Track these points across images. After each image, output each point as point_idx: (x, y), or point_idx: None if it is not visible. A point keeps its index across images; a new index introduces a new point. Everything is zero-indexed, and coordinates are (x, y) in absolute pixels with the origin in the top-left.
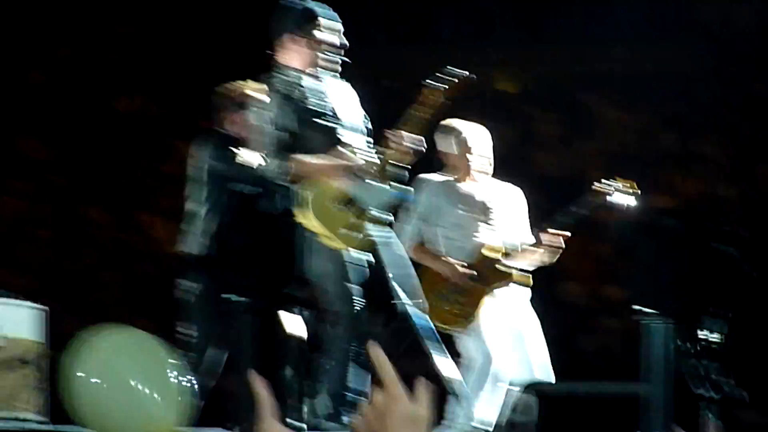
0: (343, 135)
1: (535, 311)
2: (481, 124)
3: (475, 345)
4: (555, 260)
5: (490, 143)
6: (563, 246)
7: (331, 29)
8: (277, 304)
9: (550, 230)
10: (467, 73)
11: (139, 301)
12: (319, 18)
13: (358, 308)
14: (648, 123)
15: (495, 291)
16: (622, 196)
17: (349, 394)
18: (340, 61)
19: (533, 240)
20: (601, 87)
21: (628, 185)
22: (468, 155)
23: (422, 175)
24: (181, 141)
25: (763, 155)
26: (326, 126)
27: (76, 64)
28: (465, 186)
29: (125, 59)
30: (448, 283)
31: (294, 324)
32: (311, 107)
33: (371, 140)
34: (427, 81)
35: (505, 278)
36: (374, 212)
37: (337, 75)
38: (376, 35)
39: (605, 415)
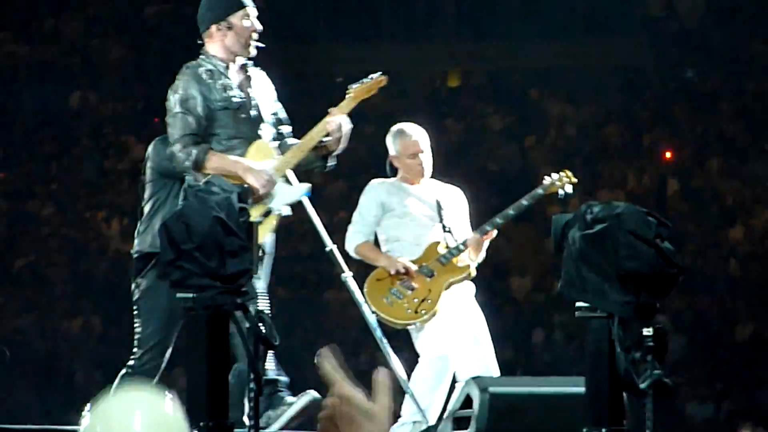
0: (258, 126)
1: (486, 306)
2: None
3: (428, 340)
4: (481, 257)
5: (428, 143)
6: (486, 243)
7: (253, 15)
8: (232, 299)
9: (484, 231)
10: (384, 76)
11: (86, 297)
12: (244, 6)
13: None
14: (593, 117)
15: (451, 286)
16: (567, 187)
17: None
18: (259, 47)
19: (463, 241)
20: (546, 81)
21: (566, 175)
22: (410, 156)
23: (373, 180)
24: (131, 137)
25: (711, 149)
26: (243, 116)
27: (26, 60)
28: (411, 187)
29: (75, 55)
30: (395, 278)
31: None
32: (233, 97)
33: (289, 128)
34: (352, 85)
35: (461, 272)
36: (274, 209)
37: (252, 62)
38: (323, 31)
39: (553, 411)
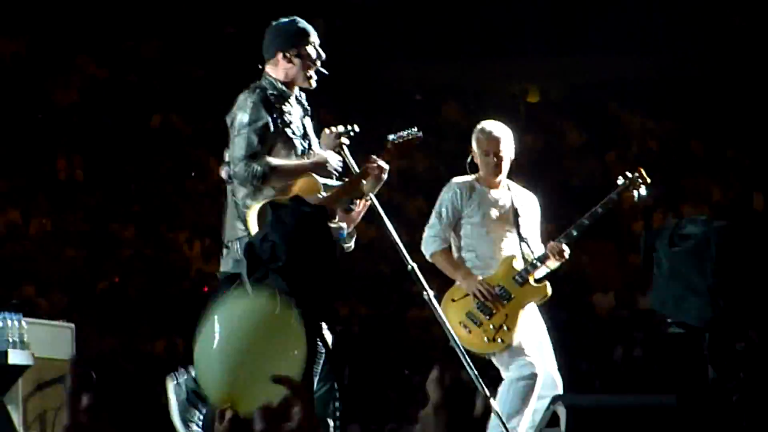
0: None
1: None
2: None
3: (508, 358)
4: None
5: (512, 145)
6: (566, 257)
7: (317, 45)
8: (321, 317)
9: (558, 241)
10: (420, 133)
11: (168, 318)
12: (310, 35)
13: None
14: (674, 130)
15: (526, 306)
16: (642, 188)
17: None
18: (319, 79)
19: (539, 255)
20: (626, 95)
21: (639, 175)
22: (485, 153)
23: (453, 179)
24: (212, 158)
25: None
26: (301, 148)
27: (108, 85)
28: (489, 191)
29: (154, 78)
30: (473, 300)
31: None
32: (293, 125)
33: None
34: (390, 136)
35: (538, 294)
36: None
37: (303, 96)
38: (409, 51)
39: (641, 426)
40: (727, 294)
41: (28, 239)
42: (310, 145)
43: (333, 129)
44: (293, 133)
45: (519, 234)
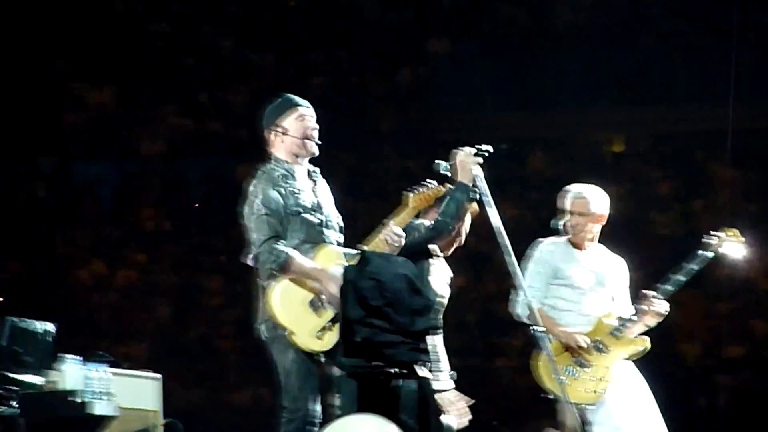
0: (326, 233)
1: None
2: (595, 185)
3: (602, 413)
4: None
5: (600, 208)
6: (666, 312)
7: (308, 116)
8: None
9: (654, 297)
10: (441, 187)
11: (254, 369)
12: (296, 108)
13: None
14: (760, 179)
15: (624, 360)
16: (732, 246)
17: None
18: (317, 146)
19: (635, 310)
20: (712, 144)
21: (734, 234)
22: (575, 215)
23: (544, 240)
24: None
25: None
26: (316, 222)
27: (194, 135)
28: (578, 253)
29: (241, 127)
30: (570, 353)
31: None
32: (304, 201)
33: (342, 237)
34: (411, 188)
35: (637, 346)
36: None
37: (317, 170)
38: (496, 100)
39: None
40: None
41: (116, 290)
42: (326, 218)
43: (465, 149)
44: (304, 209)
45: (610, 295)
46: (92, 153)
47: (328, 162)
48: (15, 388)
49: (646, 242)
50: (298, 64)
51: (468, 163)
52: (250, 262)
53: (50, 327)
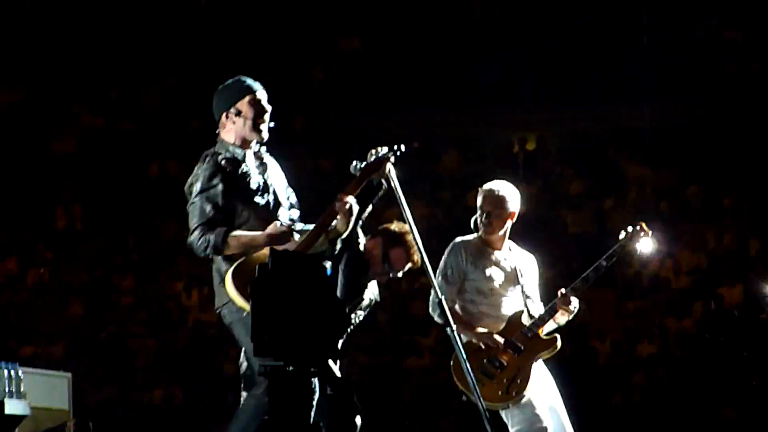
0: (277, 211)
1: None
2: (511, 183)
3: (519, 414)
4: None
5: (517, 204)
6: (576, 309)
7: (263, 99)
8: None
9: (564, 295)
10: (390, 153)
11: (167, 368)
12: (251, 91)
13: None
14: (670, 177)
15: (538, 360)
16: (641, 241)
17: None
18: (269, 127)
19: (546, 308)
20: (624, 143)
21: (642, 229)
22: (492, 214)
23: (457, 238)
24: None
25: None
26: (263, 203)
27: (105, 134)
28: (491, 250)
29: (153, 125)
30: (481, 354)
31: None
32: (251, 185)
33: (298, 213)
34: (354, 162)
35: (549, 346)
36: None
37: (264, 149)
38: (408, 99)
39: None
40: None
41: (26, 289)
42: (276, 197)
43: (377, 150)
44: (251, 191)
45: (523, 293)
46: (3, 151)
47: None
48: None
49: (558, 240)
50: (209, 64)
51: (347, 214)
52: (188, 245)
53: None
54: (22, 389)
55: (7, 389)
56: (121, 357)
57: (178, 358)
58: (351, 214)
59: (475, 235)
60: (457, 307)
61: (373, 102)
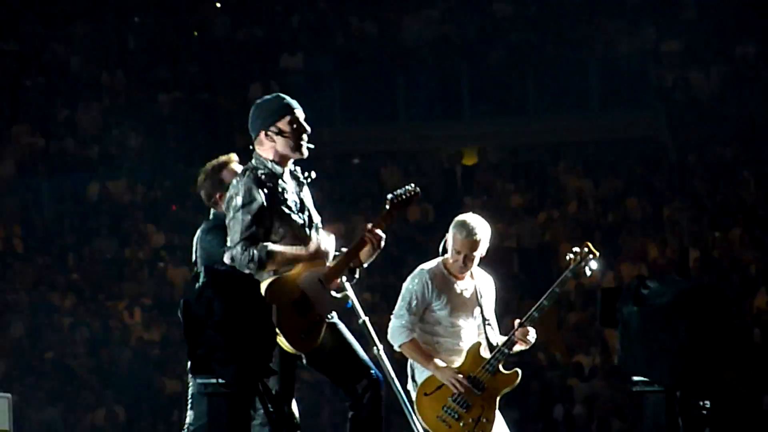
0: (310, 230)
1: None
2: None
3: None
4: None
5: (480, 246)
6: (534, 339)
7: (301, 118)
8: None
9: (522, 326)
10: (418, 189)
11: (109, 387)
12: (291, 110)
13: None
14: (611, 190)
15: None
16: (591, 263)
17: None
18: (310, 148)
19: (504, 341)
20: (564, 156)
21: (590, 250)
22: (455, 251)
23: (424, 266)
24: (150, 225)
25: (732, 218)
26: (300, 222)
27: (43, 151)
28: (455, 282)
29: (92, 145)
30: (445, 392)
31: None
32: (289, 202)
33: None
34: (389, 196)
35: (511, 382)
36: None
37: (299, 170)
38: (340, 115)
39: None
40: (698, 353)
41: None
42: (310, 216)
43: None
44: (289, 208)
45: (483, 316)
46: None
47: (183, 180)
48: None
49: (499, 255)
50: (147, 81)
51: (376, 247)
52: (227, 260)
53: None
54: None
55: None
56: (63, 377)
57: (121, 377)
58: (379, 247)
59: (439, 260)
60: (415, 335)
61: (312, 117)
